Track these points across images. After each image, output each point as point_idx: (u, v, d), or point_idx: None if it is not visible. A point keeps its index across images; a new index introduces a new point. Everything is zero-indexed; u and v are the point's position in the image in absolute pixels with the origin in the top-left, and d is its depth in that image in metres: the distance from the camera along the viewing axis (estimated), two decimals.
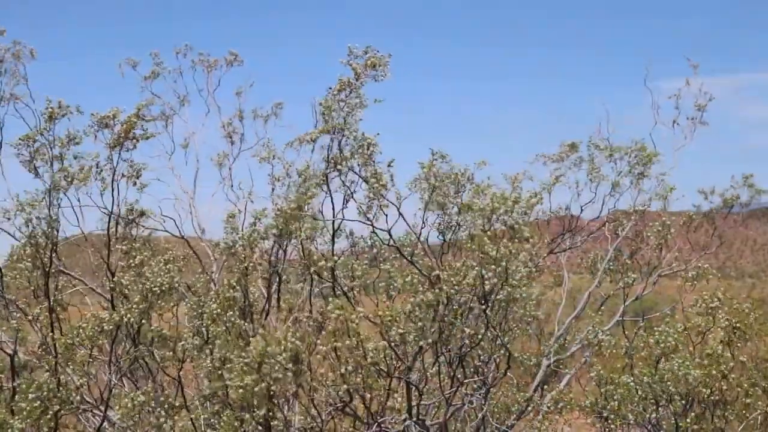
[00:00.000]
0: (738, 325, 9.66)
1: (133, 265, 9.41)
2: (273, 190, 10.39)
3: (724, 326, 9.72)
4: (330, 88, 8.36)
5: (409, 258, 8.46)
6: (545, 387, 10.31)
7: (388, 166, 8.31)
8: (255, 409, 7.61)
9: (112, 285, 9.52)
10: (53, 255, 9.49)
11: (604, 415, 10.23)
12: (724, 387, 9.51)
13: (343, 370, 7.58)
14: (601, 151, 10.42)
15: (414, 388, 8.46)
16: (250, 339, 7.67)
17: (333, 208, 8.72)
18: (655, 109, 10.74)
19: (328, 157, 8.34)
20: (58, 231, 9.48)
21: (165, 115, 11.14)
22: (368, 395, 8.00)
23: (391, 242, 8.55)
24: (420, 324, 7.88)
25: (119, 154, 9.74)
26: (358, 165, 8.20)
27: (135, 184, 10.00)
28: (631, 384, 9.73)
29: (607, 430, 10.44)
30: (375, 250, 9.11)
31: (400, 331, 7.84)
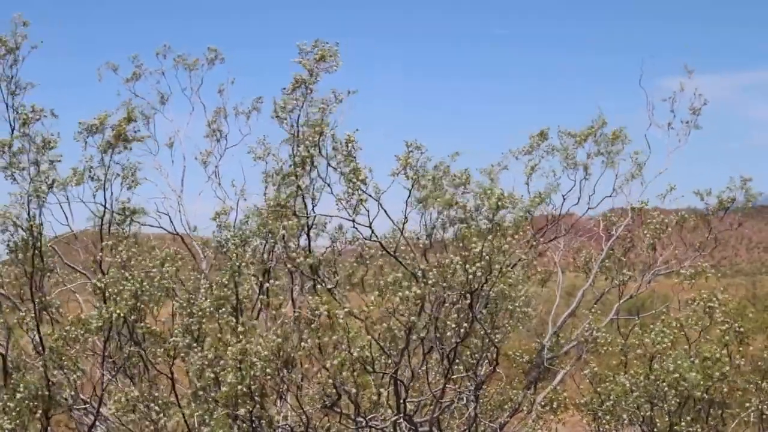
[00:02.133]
0: (740, 328, 9.61)
1: (119, 261, 9.39)
2: (266, 187, 10.44)
3: (724, 328, 9.69)
4: (284, 89, 8.29)
5: (392, 253, 8.42)
6: (539, 385, 10.29)
7: (351, 144, 8.18)
8: (238, 407, 7.62)
9: (100, 283, 9.48)
10: (38, 258, 9.49)
11: (599, 414, 10.18)
12: (725, 389, 9.48)
13: (328, 365, 7.55)
14: (570, 138, 10.40)
15: (402, 384, 8.43)
16: (235, 338, 7.67)
17: (305, 206, 8.68)
18: (650, 110, 10.73)
19: (297, 156, 8.25)
20: (41, 235, 9.47)
21: (145, 115, 11.19)
22: (356, 392, 7.97)
23: (374, 237, 8.50)
24: (407, 319, 7.86)
25: (111, 156, 9.87)
26: (336, 162, 8.11)
27: (130, 187, 10.14)
28: (627, 384, 9.68)
29: (601, 429, 10.40)
30: (359, 247, 9.08)
31: (384, 326, 7.82)
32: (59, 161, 9.58)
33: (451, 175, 8.69)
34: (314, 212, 8.78)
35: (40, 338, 9.37)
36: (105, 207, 10.08)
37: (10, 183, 9.39)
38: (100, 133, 9.68)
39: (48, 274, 10.46)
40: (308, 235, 8.81)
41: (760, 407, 10.05)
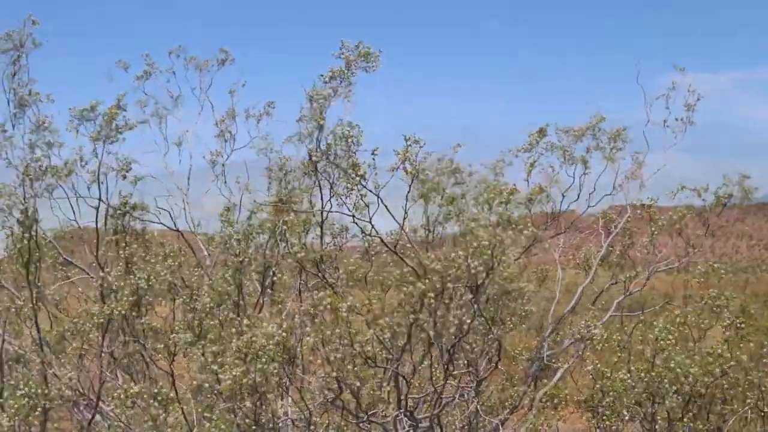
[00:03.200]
0: (742, 325, 9.62)
1: (122, 257, 9.41)
2: (269, 183, 10.51)
3: (726, 324, 9.70)
4: (321, 75, 8.26)
5: (393, 249, 8.43)
6: (538, 382, 10.29)
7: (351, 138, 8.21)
8: (242, 401, 7.62)
9: (100, 279, 9.50)
10: (34, 247, 9.47)
11: (599, 410, 10.19)
12: (725, 385, 9.49)
13: (332, 358, 7.57)
14: (567, 134, 10.46)
15: (403, 379, 8.44)
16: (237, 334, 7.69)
17: (321, 200, 8.70)
18: (648, 107, 10.76)
19: (317, 147, 8.26)
20: (36, 221, 9.45)
21: (159, 115, 11.22)
22: (358, 386, 7.98)
23: (374, 233, 8.51)
24: (411, 316, 7.87)
25: (103, 146, 9.69)
26: (338, 156, 8.12)
27: (125, 177, 9.89)
28: (628, 381, 9.69)
29: (601, 425, 10.41)
30: (365, 244, 9.10)
31: (387, 321, 7.84)
32: (60, 146, 9.54)
33: (452, 168, 8.67)
34: (330, 205, 8.75)
35: (38, 330, 9.39)
36: (99, 200, 9.96)
37: (6, 166, 9.44)
38: (92, 122, 9.55)
39: (54, 267, 10.51)
40: (321, 229, 8.85)
41: (758, 404, 10.07)
